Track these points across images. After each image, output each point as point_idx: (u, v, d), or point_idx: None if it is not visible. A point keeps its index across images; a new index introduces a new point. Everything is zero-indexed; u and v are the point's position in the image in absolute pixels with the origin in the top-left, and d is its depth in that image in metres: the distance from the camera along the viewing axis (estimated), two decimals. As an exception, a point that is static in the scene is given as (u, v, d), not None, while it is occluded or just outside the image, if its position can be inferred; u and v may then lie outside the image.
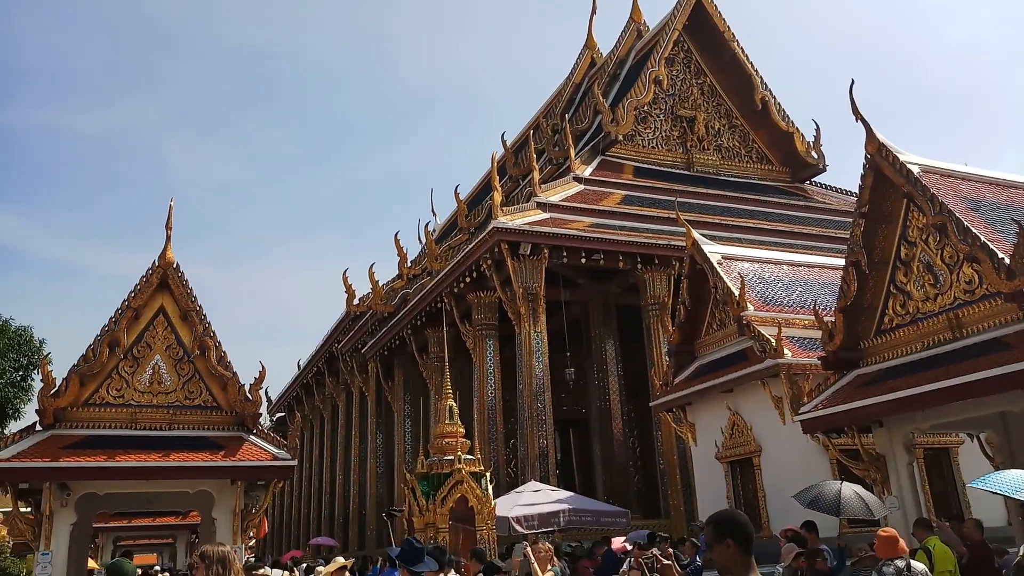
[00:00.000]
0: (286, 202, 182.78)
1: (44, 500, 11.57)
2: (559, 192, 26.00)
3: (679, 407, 17.10)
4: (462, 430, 12.75)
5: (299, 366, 45.85)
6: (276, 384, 52.60)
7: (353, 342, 34.08)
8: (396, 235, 33.01)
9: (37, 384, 26.23)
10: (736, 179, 31.98)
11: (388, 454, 31.84)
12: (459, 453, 12.00)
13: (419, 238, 37.50)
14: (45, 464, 11.33)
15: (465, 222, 28.67)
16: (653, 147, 31.54)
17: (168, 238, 13.34)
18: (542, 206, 24.17)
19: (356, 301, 35.04)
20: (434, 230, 36.07)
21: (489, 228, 21.91)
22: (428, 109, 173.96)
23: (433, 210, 41.72)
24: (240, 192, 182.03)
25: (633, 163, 30.41)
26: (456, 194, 30.74)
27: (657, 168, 30.54)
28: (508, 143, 36.33)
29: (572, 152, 28.79)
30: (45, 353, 24.15)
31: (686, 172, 31.08)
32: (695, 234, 16.96)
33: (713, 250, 16.75)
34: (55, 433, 11.88)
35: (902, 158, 11.13)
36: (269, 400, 50.05)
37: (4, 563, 25.65)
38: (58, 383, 12.19)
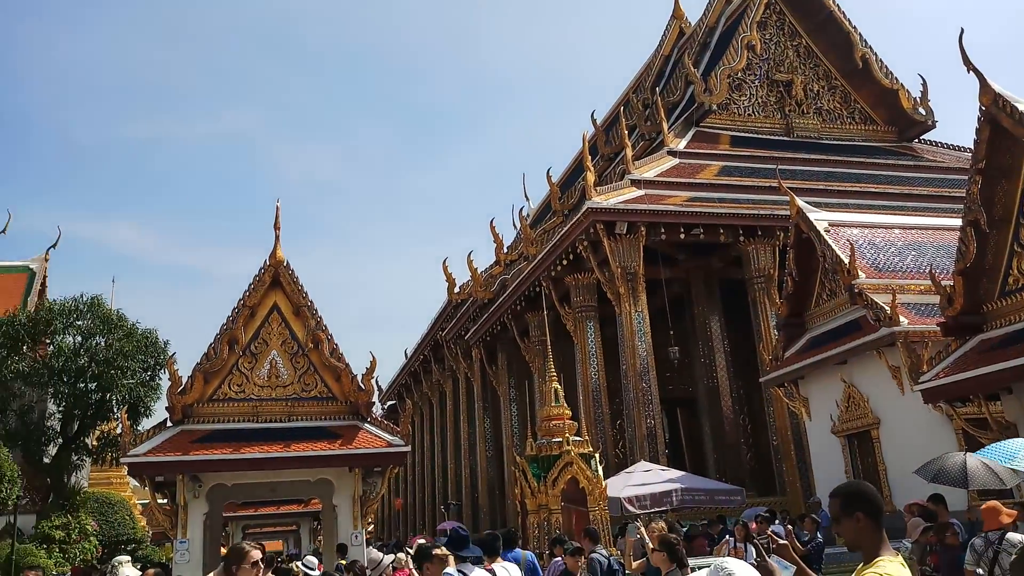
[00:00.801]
0: (386, 196, 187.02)
1: (178, 491, 12.32)
2: (653, 167, 25.61)
3: (791, 382, 16.67)
4: (568, 412, 12.80)
5: (406, 355, 46.95)
6: (385, 373, 54.07)
7: (456, 329, 34.62)
8: (491, 222, 33.34)
9: (164, 383, 27.83)
10: (839, 142, 30.72)
11: (496, 437, 32.27)
12: (567, 435, 12.05)
13: (514, 223, 37.68)
14: (177, 458, 12.05)
15: (558, 205, 28.61)
16: (749, 115, 30.62)
17: (277, 238, 13.89)
18: (636, 183, 23.86)
19: (456, 289, 35.57)
20: (528, 215, 36.14)
21: (583, 209, 21.80)
22: (516, 93, 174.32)
23: (526, 194, 41.83)
24: (342, 189, 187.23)
25: (729, 132, 29.63)
26: (548, 177, 30.74)
27: (755, 136, 29.64)
28: (598, 121, 35.99)
29: (665, 126, 28.28)
30: (171, 354, 25.49)
31: (786, 138, 30.04)
32: (799, 202, 16.44)
33: (819, 217, 16.20)
34: (184, 428, 12.61)
35: (1021, 107, 10.45)
36: (380, 389, 51.46)
37: (145, 551, 27.33)
38: (184, 381, 12.92)
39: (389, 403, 53.67)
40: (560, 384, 13.75)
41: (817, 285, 16.29)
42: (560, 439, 12.05)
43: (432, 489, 41.04)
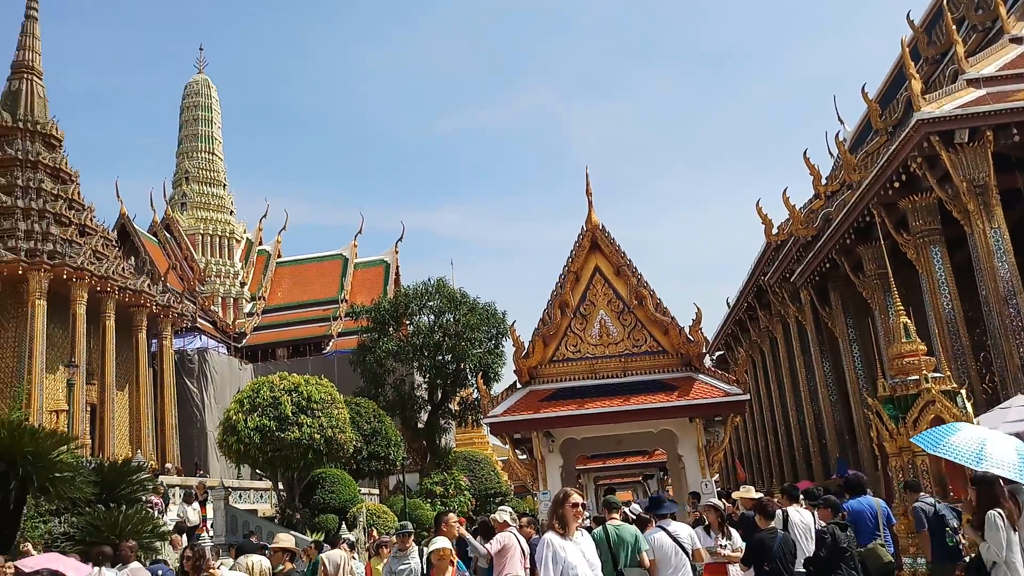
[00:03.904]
0: (685, 144, 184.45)
1: (535, 446, 13.39)
2: (992, 61, 22.22)
3: None
4: (923, 348, 11.70)
5: (728, 303, 46.05)
6: (709, 324, 53.34)
7: (780, 272, 33.17)
8: (805, 153, 31.29)
9: (506, 350, 30.50)
10: None
11: (839, 380, 30.47)
12: (924, 372, 11.04)
13: (829, 151, 34.95)
14: (530, 416, 13.10)
15: (880, 123, 25.99)
16: (1117, -26, 25.24)
17: (590, 204, 14.41)
18: (973, 82, 20.89)
19: (774, 230, 33.98)
20: (845, 139, 33.27)
21: (912, 122, 19.61)
22: (809, 13, 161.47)
23: (840, 118, 38.47)
24: (640, 146, 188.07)
25: (1091, 1, 24.71)
26: (864, 93, 28.05)
27: None
28: (916, 22, 32.01)
29: (1002, 9, 24.32)
30: (510, 323, 27.72)
31: None
32: None
33: None
34: (532, 389, 13.67)
35: None
36: (707, 340, 50.89)
37: (510, 503, 30.05)
38: (526, 346, 13.97)
39: (718, 353, 53.05)
40: (908, 318, 12.62)
41: None
42: (916, 377, 11.06)
43: (775, 437, 39.94)
